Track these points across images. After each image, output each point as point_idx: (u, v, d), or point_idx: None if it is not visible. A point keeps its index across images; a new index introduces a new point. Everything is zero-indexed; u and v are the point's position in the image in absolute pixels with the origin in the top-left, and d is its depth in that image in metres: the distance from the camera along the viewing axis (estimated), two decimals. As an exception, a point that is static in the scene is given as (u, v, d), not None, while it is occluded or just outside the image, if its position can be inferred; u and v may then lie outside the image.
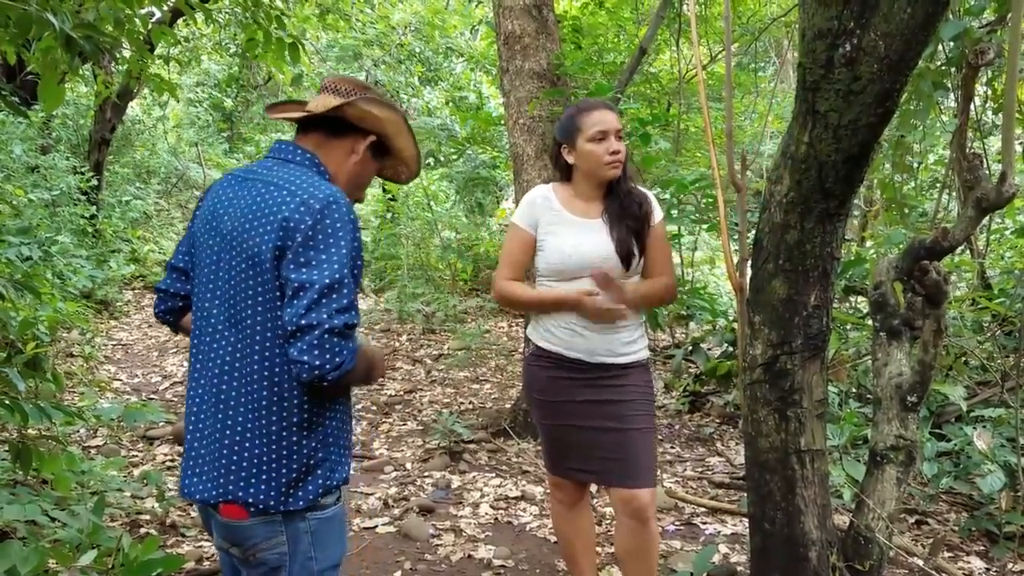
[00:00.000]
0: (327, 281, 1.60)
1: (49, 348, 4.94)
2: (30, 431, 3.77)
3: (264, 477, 1.69)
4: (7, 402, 2.88)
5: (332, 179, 1.86)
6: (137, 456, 4.87)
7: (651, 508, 2.66)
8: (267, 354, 1.69)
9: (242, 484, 1.69)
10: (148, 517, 3.82)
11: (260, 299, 1.69)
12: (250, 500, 1.68)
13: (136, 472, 4.45)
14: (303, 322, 1.58)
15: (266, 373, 1.69)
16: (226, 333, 1.74)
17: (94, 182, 9.94)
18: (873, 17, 2.10)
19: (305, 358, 1.58)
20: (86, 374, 6.43)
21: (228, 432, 1.71)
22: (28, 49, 3.38)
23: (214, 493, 1.72)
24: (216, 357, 1.75)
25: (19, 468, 2.97)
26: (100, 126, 10.37)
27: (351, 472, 1.91)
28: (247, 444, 1.69)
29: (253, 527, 1.71)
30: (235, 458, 1.70)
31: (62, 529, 2.87)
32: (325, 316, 1.59)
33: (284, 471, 1.70)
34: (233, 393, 1.71)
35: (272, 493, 1.69)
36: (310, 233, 1.64)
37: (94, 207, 9.82)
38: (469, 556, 3.62)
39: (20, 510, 2.66)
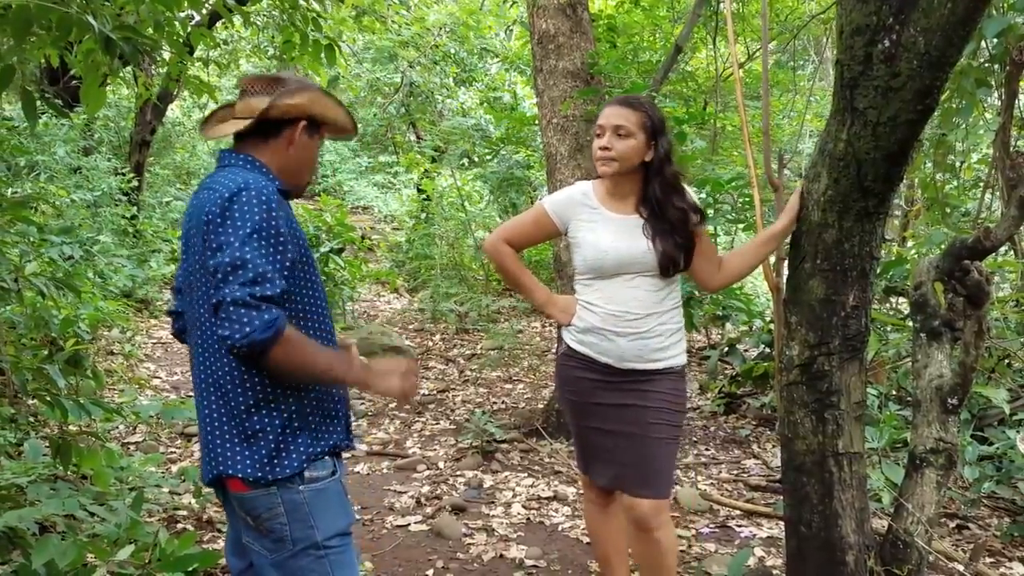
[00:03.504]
0: (227, 260, 1.71)
1: (90, 346, 5.01)
2: (70, 427, 3.83)
3: (247, 452, 1.81)
4: (48, 398, 2.94)
5: (278, 171, 1.95)
6: (175, 453, 4.94)
7: (654, 519, 2.58)
8: (219, 343, 1.82)
9: (228, 461, 1.82)
10: (185, 513, 3.88)
11: (205, 290, 1.83)
12: (239, 476, 1.81)
13: (174, 468, 4.51)
14: (214, 301, 1.71)
15: (224, 360, 1.82)
16: (198, 330, 1.89)
17: (135, 183, 10.11)
18: (912, 12, 2.06)
19: (219, 332, 1.69)
20: (126, 372, 6.53)
21: (207, 419, 1.86)
22: (71, 52, 3.43)
23: (206, 470, 1.88)
24: (195, 352, 1.91)
25: (59, 463, 3.03)
26: (140, 128, 10.54)
27: (350, 442, 1.99)
28: (224, 427, 1.83)
29: (256, 498, 1.83)
30: (217, 440, 1.84)
31: (100, 524, 2.92)
32: (227, 291, 1.69)
33: (261, 444, 1.81)
34: (210, 381, 1.86)
35: (256, 465, 1.80)
36: (218, 221, 1.76)
37: (135, 208, 9.99)
38: (501, 555, 3.61)
39: (59, 504, 2.71)
